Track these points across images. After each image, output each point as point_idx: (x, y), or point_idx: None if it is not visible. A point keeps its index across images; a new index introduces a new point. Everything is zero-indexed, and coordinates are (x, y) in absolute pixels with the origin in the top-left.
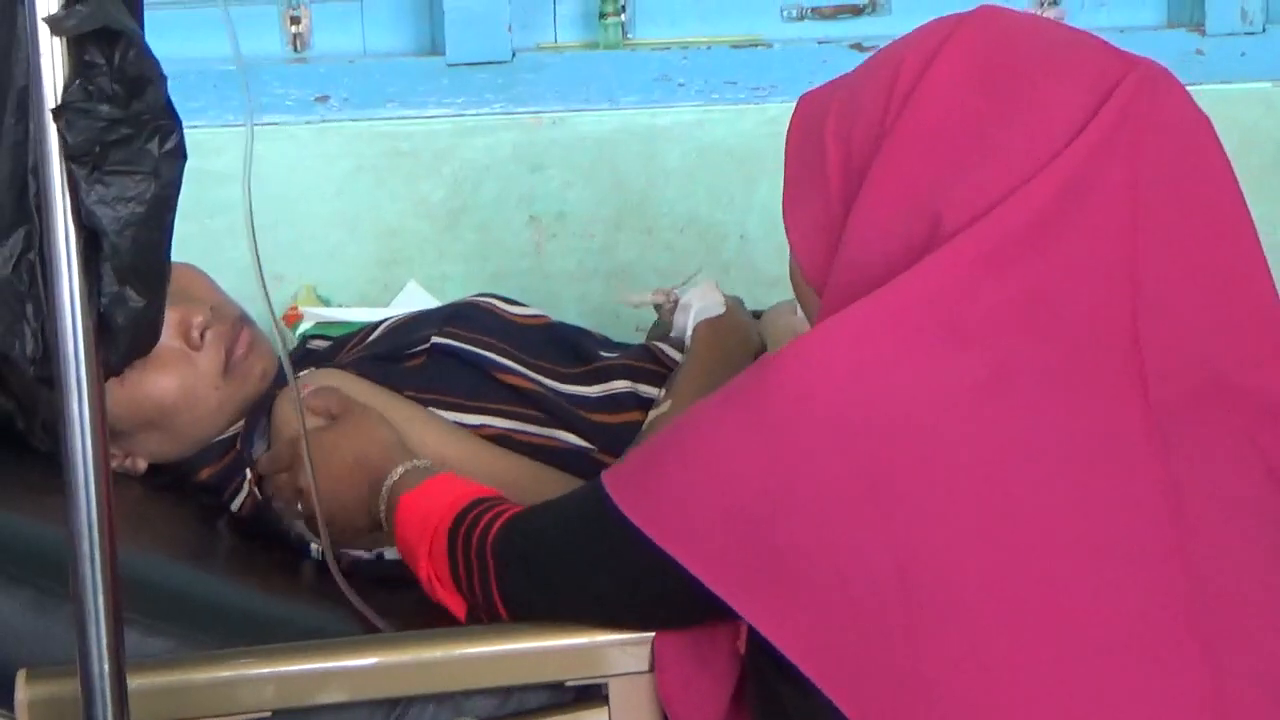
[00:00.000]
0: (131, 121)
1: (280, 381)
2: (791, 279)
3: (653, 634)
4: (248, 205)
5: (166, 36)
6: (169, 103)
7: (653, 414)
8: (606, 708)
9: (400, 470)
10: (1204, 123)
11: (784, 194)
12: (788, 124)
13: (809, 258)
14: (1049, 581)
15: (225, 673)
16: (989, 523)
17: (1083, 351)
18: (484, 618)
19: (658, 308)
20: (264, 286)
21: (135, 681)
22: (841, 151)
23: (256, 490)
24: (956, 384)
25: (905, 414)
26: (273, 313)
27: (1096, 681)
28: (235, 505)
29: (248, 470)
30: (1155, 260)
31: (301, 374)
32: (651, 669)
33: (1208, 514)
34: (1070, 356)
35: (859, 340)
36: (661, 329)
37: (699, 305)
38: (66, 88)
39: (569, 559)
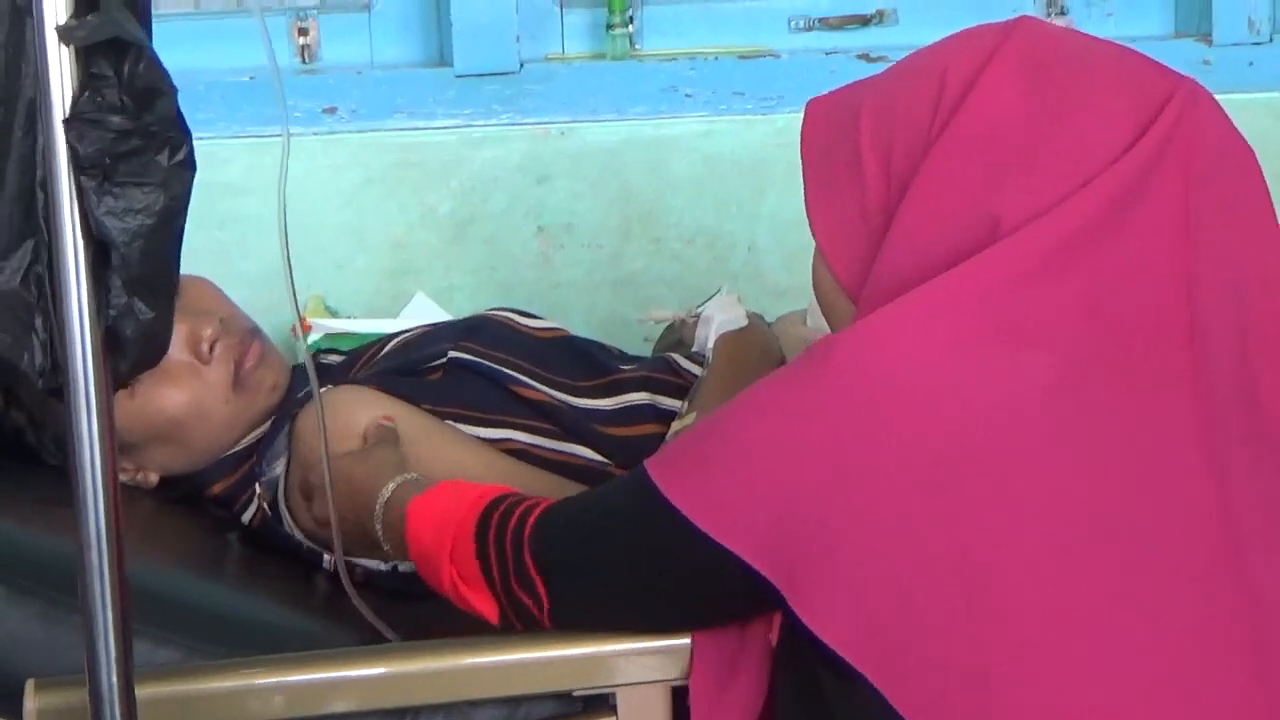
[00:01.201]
0: (142, 133)
1: (292, 394)
2: (816, 288)
3: (662, 644)
4: (282, 216)
5: (176, 47)
6: (179, 114)
7: (676, 425)
8: (614, 717)
9: (392, 485)
10: (1241, 141)
11: (809, 203)
12: (801, 130)
13: (844, 267)
14: (1107, 583)
15: (233, 682)
16: (1051, 521)
17: (1145, 352)
18: (513, 616)
19: (679, 324)
20: (295, 302)
21: (144, 692)
22: (880, 164)
23: (266, 507)
24: (1022, 383)
25: (969, 410)
26: (299, 322)
27: (1150, 686)
28: (246, 519)
29: (257, 485)
30: (1202, 270)
31: (315, 392)
32: (660, 679)
33: (1254, 522)
34: (1133, 357)
35: (918, 328)
36: (671, 341)
37: (721, 318)
38: (76, 99)
39: (615, 550)
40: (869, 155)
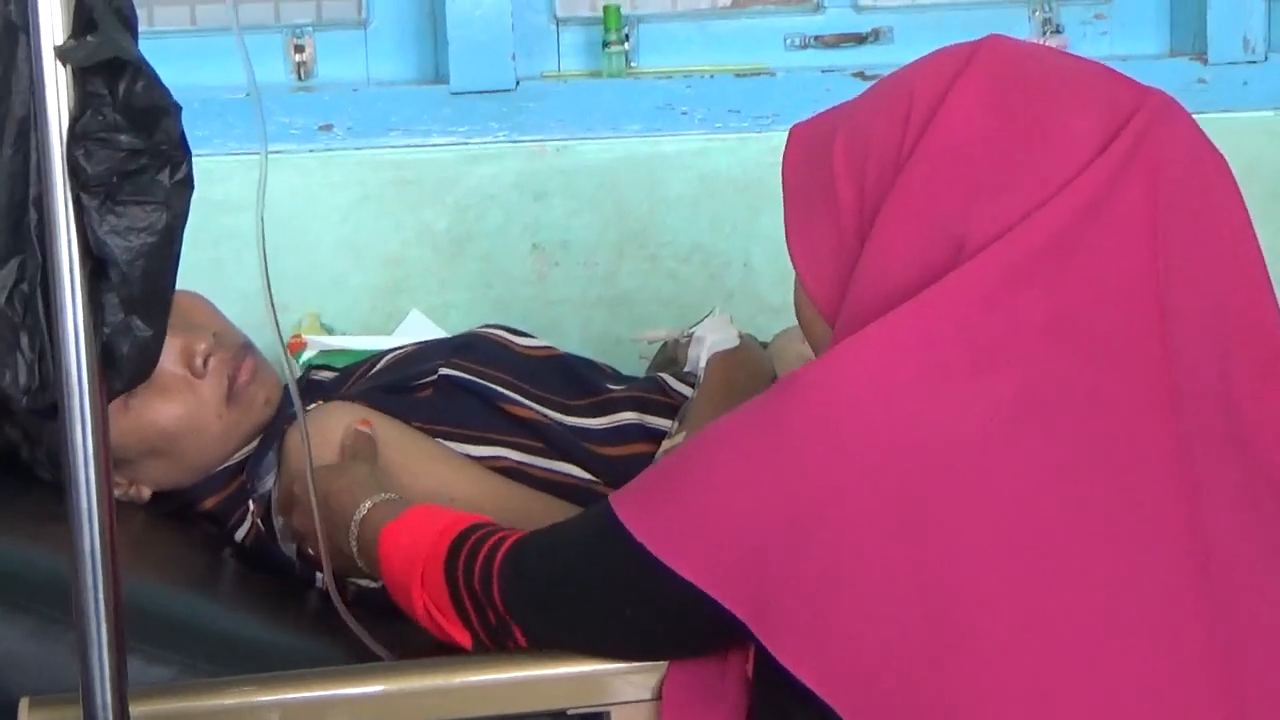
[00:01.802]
0: (152, 152)
1: (284, 409)
2: (798, 312)
3: (659, 663)
4: (260, 234)
5: (172, 64)
6: (182, 133)
7: (665, 444)
8: None
9: (367, 505)
10: (1214, 153)
11: (788, 227)
12: (783, 156)
13: (820, 290)
14: (1077, 616)
15: (228, 700)
16: (1019, 550)
17: (1111, 369)
18: (488, 644)
19: (672, 344)
20: (274, 316)
21: (137, 709)
22: (854, 187)
23: (260, 523)
24: (984, 405)
25: (932, 435)
26: (282, 342)
27: (1119, 711)
28: (239, 536)
29: (251, 502)
30: (1174, 282)
31: (309, 407)
32: (654, 698)
33: (1231, 543)
34: (1099, 374)
35: (881, 358)
36: (664, 360)
37: (713, 339)
38: (77, 118)
39: (580, 583)
40: (842, 180)
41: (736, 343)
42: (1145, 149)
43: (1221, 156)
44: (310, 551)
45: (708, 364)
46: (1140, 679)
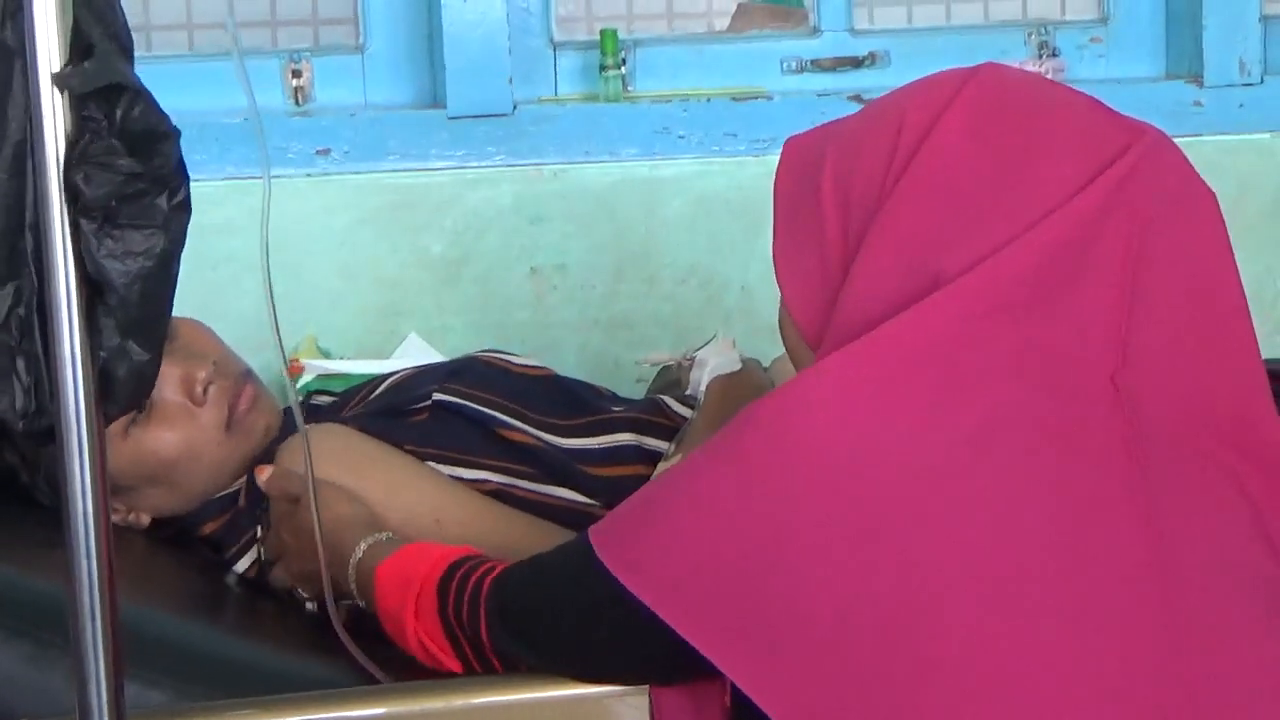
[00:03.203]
0: (151, 177)
1: (283, 437)
2: (783, 334)
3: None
4: (265, 258)
5: (169, 89)
6: (180, 158)
7: (661, 466)
8: None
9: (364, 546)
10: (1203, 192)
11: (775, 247)
12: (776, 171)
13: (803, 313)
14: (1035, 639)
15: None
16: (976, 577)
17: (1068, 404)
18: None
19: (674, 367)
20: (279, 339)
21: None
22: (840, 215)
23: (263, 554)
24: (944, 435)
25: (890, 461)
26: (285, 365)
27: None
28: (241, 568)
29: (259, 529)
30: (1148, 318)
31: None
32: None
33: (1193, 575)
34: (1057, 408)
35: (842, 385)
36: (664, 384)
37: (715, 362)
38: (74, 143)
39: (559, 614)
40: (829, 207)
41: (738, 366)
42: (1129, 191)
43: (1211, 195)
44: (299, 592)
45: (708, 387)
46: (1098, 702)
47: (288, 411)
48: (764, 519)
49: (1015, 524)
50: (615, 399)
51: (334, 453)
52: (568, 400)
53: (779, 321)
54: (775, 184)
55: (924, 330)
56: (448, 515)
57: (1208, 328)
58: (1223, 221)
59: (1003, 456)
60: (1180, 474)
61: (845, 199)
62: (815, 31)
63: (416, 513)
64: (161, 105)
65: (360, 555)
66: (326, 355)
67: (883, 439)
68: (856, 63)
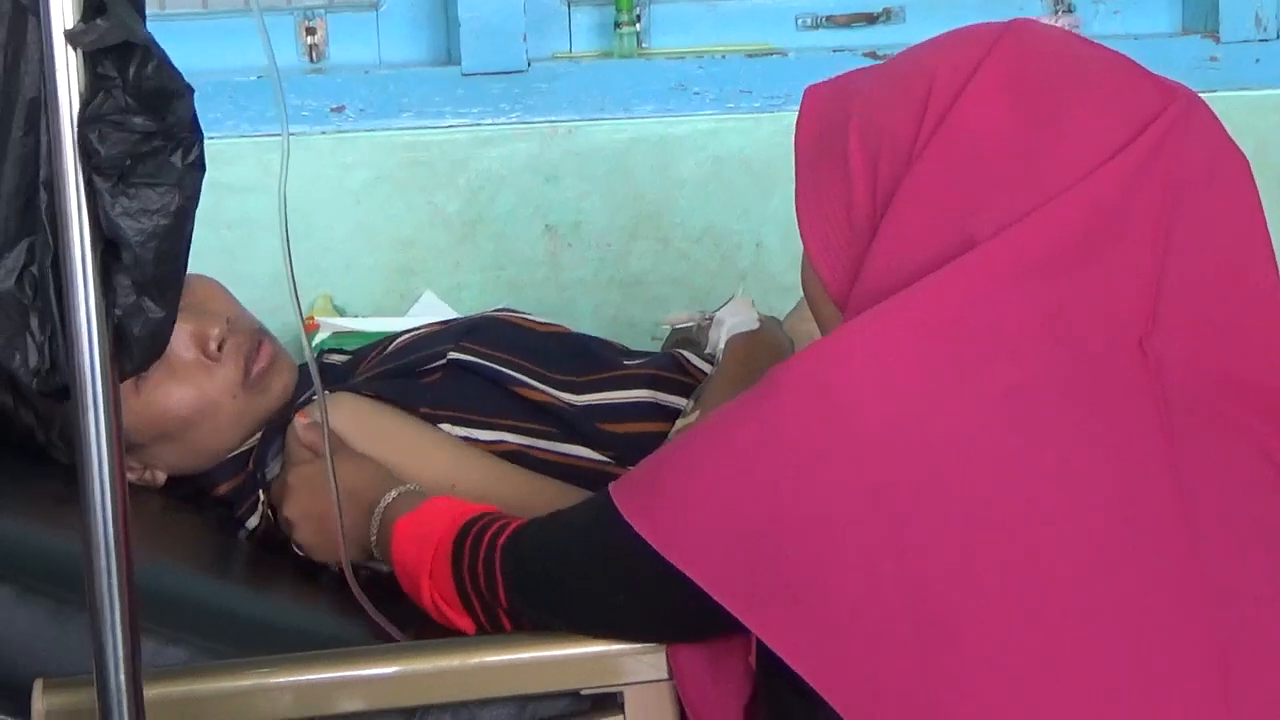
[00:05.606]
0: (165, 134)
1: (296, 397)
2: (805, 288)
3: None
4: (283, 216)
5: (184, 47)
6: (195, 115)
7: (679, 424)
8: (623, 716)
9: (393, 494)
10: (1236, 156)
11: (799, 201)
12: (797, 120)
13: (829, 270)
14: (1062, 606)
15: (242, 682)
16: (1002, 541)
17: (1098, 367)
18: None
19: (693, 327)
20: (296, 296)
21: (152, 691)
22: (867, 175)
23: (270, 514)
24: (977, 396)
25: (925, 428)
26: (302, 322)
27: (1106, 713)
28: (251, 525)
29: (261, 492)
30: (1179, 282)
31: (311, 393)
32: (669, 676)
33: (1221, 537)
34: (1087, 372)
35: (874, 347)
36: (680, 342)
37: (733, 320)
38: (88, 101)
39: (577, 571)
40: (856, 164)
41: (756, 325)
42: (1165, 154)
43: (1243, 158)
44: (296, 545)
45: (727, 345)
46: (1135, 674)
47: (303, 369)
48: (796, 479)
49: (1042, 492)
50: (630, 353)
51: (349, 423)
52: (584, 357)
53: (802, 277)
54: (796, 136)
55: (958, 292)
56: (462, 479)
57: (1237, 294)
58: (1255, 187)
59: (1030, 424)
60: (1206, 438)
61: (873, 158)
62: None
63: (429, 479)
64: (175, 63)
65: (387, 504)
66: (342, 313)
67: (917, 404)
68: (871, 18)
